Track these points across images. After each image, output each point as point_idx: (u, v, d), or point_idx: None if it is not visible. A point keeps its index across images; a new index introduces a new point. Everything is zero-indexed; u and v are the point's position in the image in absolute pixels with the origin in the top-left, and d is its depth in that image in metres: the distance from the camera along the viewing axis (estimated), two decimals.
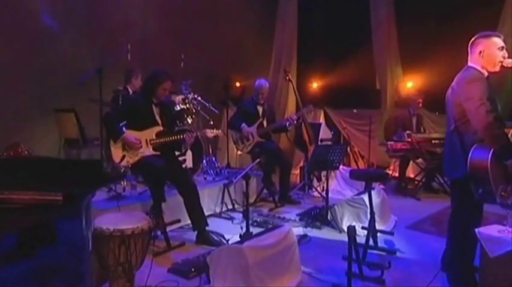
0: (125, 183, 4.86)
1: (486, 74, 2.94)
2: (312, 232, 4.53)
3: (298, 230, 4.42)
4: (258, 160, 4.80)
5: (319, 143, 6.58)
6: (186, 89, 5.62)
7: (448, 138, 3.10)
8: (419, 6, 7.24)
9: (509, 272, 2.67)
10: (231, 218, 5.03)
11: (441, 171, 5.61)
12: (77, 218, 2.11)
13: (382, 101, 7.76)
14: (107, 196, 4.57)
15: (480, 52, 2.94)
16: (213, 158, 6.02)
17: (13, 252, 2.17)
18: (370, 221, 3.96)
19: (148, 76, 4.39)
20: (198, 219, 4.20)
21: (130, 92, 5.41)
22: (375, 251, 3.95)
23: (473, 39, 3.01)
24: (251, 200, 5.40)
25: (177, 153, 4.79)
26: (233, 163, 6.93)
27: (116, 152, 4.14)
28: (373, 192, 4.17)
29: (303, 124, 6.18)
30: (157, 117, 4.32)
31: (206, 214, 4.46)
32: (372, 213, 3.97)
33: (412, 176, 6.81)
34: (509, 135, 2.81)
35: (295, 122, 5.82)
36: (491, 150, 2.74)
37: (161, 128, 4.30)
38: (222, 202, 5.29)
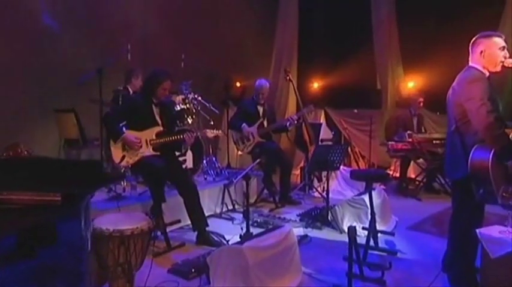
0: (125, 183, 4.86)
1: (487, 74, 2.93)
2: (313, 233, 4.52)
3: (298, 231, 4.41)
4: (258, 160, 4.79)
5: (320, 143, 6.57)
6: (186, 89, 5.62)
7: (449, 139, 3.09)
8: (420, 6, 7.24)
9: (510, 273, 2.67)
10: (231, 219, 5.03)
11: (442, 171, 5.59)
12: (76, 219, 2.10)
13: (383, 101, 7.75)
14: (106, 196, 4.56)
15: (481, 52, 2.92)
16: (214, 159, 6.01)
17: (13, 252, 2.16)
18: (370, 222, 3.95)
19: (148, 76, 4.38)
20: (198, 219, 4.19)
21: (131, 92, 5.40)
22: (376, 252, 3.93)
23: (474, 39, 3.00)
24: (251, 201, 5.39)
25: (177, 153, 4.78)
26: (233, 163, 6.93)
27: (116, 152, 4.13)
28: (373, 192, 4.16)
29: (303, 124, 6.18)
30: (158, 118, 4.31)
31: (206, 214, 4.46)
32: (373, 213, 3.96)
33: (413, 176, 6.79)
34: (510, 136, 2.80)
35: (295, 122, 5.81)
36: (492, 150, 2.73)
37: (161, 128, 4.29)
38: (222, 203, 5.28)
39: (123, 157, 4.12)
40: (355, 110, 7.83)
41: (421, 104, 6.49)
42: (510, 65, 2.90)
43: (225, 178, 5.59)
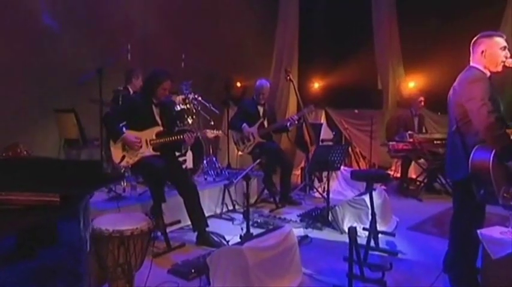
0: (125, 184, 4.85)
1: (488, 74, 2.92)
2: (313, 233, 4.50)
3: (299, 231, 4.40)
4: (258, 161, 4.78)
5: (320, 143, 6.56)
6: (186, 89, 5.61)
7: (450, 139, 3.08)
8: (421, 5, 7.22)
9: (511, 273, 2.65)
10: (232, 219, 5.02)
11: (443, 172, 5.58)
12: (75, 219, 2.09)
13: (383, 101, 7.74)
14: (106, 196, 4.55)
15: (482, 52, 2.91)
16: (214, 159, 6.00)
17: (12, 253, 2.16)
18: (371, 222, 3.95)
19: (148, 76, 4.38)
20: (198, 220, 4.18)
21: (131, 92, 5.40)
22: (376, 253, 3.93)
23: (475, 38, 2.99)
24: (252, 201, 5.38)
25: (177, 153, 4.77)
26: (234, 163, 6.92)
27: (116, 153, 4.13)
28: (374, 193, 4.15)
29: (304, 124, 6.17)
30: (158, 118, 4.30)
31: (206, 214, 4.45)
32: (373, 214, 3.95)
33: (413, 176, 6.78)
34: (511, 136, 2.79)
35: (296, 122, 5.80)
36: (493, 151, 2.71)
37: (161, 129, 4.28)
38: (222, 203, 5.27)
39: (123, 157, 4.12)
40: (356, 110, 7.82)
41: (422, 103, 6.48)
42: (511, 65, 2.88)
43: (225, 178, 5.58)
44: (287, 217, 5.10)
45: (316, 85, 8.38)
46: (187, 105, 5.54)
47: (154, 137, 4.23)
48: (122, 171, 4.60)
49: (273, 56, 8.23)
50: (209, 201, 5.08)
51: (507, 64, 2.89)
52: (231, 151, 6.80)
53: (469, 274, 3.05)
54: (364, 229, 4.17)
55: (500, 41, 2.92)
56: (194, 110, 5.60)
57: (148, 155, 4.17)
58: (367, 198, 4.16)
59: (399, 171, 6.62)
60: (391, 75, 7.68)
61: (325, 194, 5.01)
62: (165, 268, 3.55)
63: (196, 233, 4.18)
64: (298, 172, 6.87)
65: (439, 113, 7.06)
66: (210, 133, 4.48)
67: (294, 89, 6.56)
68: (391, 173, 6.87)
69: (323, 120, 7.89)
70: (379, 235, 4.08)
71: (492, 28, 3.22)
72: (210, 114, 5.89)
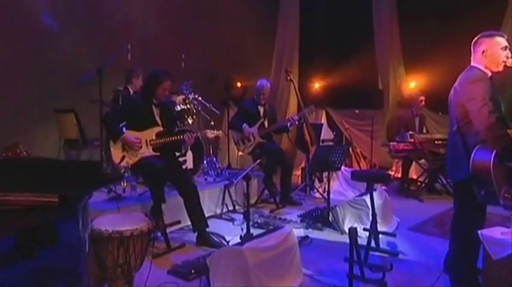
0: (125, 184, 4.84)
1: (489, 74, 2.91)
2: (313, 234, 4.49)
3: (299, 232, 4.39)
4: (259, 161, 4.77)
5: (321, 143, 6.55)
6: (186, 89, 5.60)
7: (451, 139, 3.07)
8: (421, 5, 7.21)
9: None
10: (232, 220, 5.01)
11: (444, 172, 5.57)
12: (74, 220, 2.08)
13: (384, 101, 7.72)
14: (106, 197, 4.55)
15: (483, 52, 2.90)
16: (214, 159, 5.99)
17: (11, 253, 2.15)
18: (372, 223, 3.93)
19: (148, 76, 4.37)
20: (198, 220, 4.17)
21: (131, 92, 5.39)
22: (377, 253, 3.92)
23: (476, 38, 2.98)
24: (252, 201, 5.37)
25: (177, 154, 4.76)
26: (234, 163, 6.91)
27: (116, 153, 4.12)
28: (375, 193, 4.14)
29: (304, 124, 6.16)
30: (157, 118, 4.29)
31: (206, 215, 4.44)
32: (374, 214, 3.94)
33: (414, 177, 6.76)
34: None
35: (296, 122, 5.79)
36: (494, 151, 2.70)
37: (161, 129, 4.27)
38: (222, 203, 5.26)
39: (123, 158, 4.11)
40: (357, 111, 7.80)
41: (423, 102, 6.46)
42: None
43: (226, 179, 5.58)
44: (287, 217, 5.09)
45: (317, 85, 8.38)
46: (188, 106, 5.53)
47: (154, 137, 4.22)
48: (122, 171, 4.59)
49: (273, 56, 8.23)
50: (209, 201, 5.07)
51: (508, 64, 2.88)
52: (232, 151, 6.80)
53: (470, 274, 3.04)
54: (364, 229, 4.16)
55: (501, 40, 2.91)
56: (194, 110, 5.59)
57: (148, 155, 4.16)
58: (367, 198, 4.15)
59: (400, 171, 6.61)
60: (391, 75, 7.67)
61: (325, 195, 5.00)
62: (165, 269, 3.54)
63: (196, 234, 4.17)
64: (299, 172, 6.86)
65: (440, 113, 7.05)
66: (210, 133, 4.47)
67: (295, 89, 6.55)
68: (392, 173, 6.86)
69: (323, 120, 7.87)
70: (380, 236, 4.06)
71: (493, 28, 3.20)
72: (210, 115, 5.88)
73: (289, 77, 6.31)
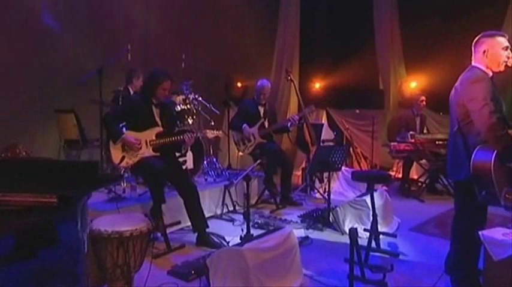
0: (125, 184, 4.84)
1: (490, 74, 2.90)
2: (314, 234, 4.48)
3: (299, 232, 4.38)
4: (259, 161, 4.76)
5: (321, 144, 6.53)
6: (187, 89, 5.59)
7: (452, 140, 3.05)
8: (422, 5, 7.20)
9: None
10: (232, 220, 5.00)
11: (445, 172, 5.55)
12: (72, 220, 2.08)
13: (385, 102, 7.72)
14: (106, 197, 4.54)
15: (484, 51, 2.89)
16: (214, 159, 5.98)
17: (11, 254, 2.14)
18: (372, 223, 3.92)
19: (147, 76, 4.36)
20: (199, 221, 4.16)
21: (131, 92, 5.38)
22: (377, 254, 3.90)
23: (477, 38, 2.97)
24: (252, 202, 5.37)
25: (177, 154, 4.75)
26: (234, 164, 6.90)
27: (116, 153, 4.11)
28: (375, 194, 4.13)
29: (304, 125, 6.14)
30: (157, 118, 4.28)
31: (207, 215, 4.43)
32: (375, 215, 3.93)
33: (415, 177, 6.75)
34: None
35: (297, 122, 5.78)
36: (495, 152, 2.69)
37: (161, 129, 4.26)
38: (222, 204, 5.25)
39: (123, 158, 4.10)
40: (357, 111, 7.80)
41: (424, 102, 6.45)
42: None
43: (226, 179, 5.56)
44: (288, 217, 5.08)
45: (317, 85, 8.37)
46: (188, 106, 5.52)
47: (154, 137, 4.20)
48: (122, 172, 4.59)
49: (273, 56, 8.23)
50: (209, 202, 5.06)
51: (509, 64, 2.87)
52: (232, 151, 6.79)
53: (471, 275, 3.03)
54: (365, 230, 4.14)
55: (503, 40, 2.90)
56: (194, 111, 5.58)
57: (148, 155, 4.15)
58: (368, 199, 4.14)
59: (401, 172, 6.59)
60: (392, 75, 7.66)
61: (326, 195, 4.98)
62: (164, 269, 3.53)
63: (196, 234, 4.17)
64: (299, 173, 6.85)
65: (440, 113, 7.04)
66: (210, 133, 4.45)
67: (295, 89, 6.54)
68: (393, 173, 6.84)
69: (324, 120, 7.87)
70: (381, 236, 4.05)
71: (494, 28, 3.19)
72: (211, 115, 5.87)
73: (289, 77, 6.30)
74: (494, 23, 5.85)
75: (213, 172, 5.74)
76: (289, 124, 5.74)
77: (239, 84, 7.93)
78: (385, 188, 5.46)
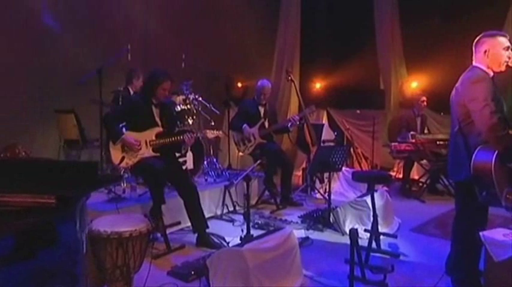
0: (125, 185, 4.83)
1: (491, 74, 2.89)
2: (314, 235, 4.47)
3: (300, 233, 4.37)
4: (259, 161, 4.76)
5: (322, 144, 6.52)
6: (187, 89, 5.58)
7: (452, 140, 3.05)
8: (423, 5, 7.19)
9: None
10: (232, 220, 4.99)
11: (446, 173, 5.53)
12: (71, 221, 2.07)
13: (386, 102, 7.71)
14: (106, 197, 4.53)
15: (485, 51, 2.88)
16: (214, 160, 5.97)
17: (10, 254, 2.14)
18: (373, 224, 3.91)
19: (147, 77, 4.35)
20: (198, 221, 4.15)
21: (131, 92, 5.38)
22: (378, 255, 3.89)
23: (478, 38, 2.96)
24: (252, 202, 5.36)
25: (177, 154, 4.74)
26: (234, 164, 6.89)
27: (115, 154, 4.10)
28: (376, 194, 4.12)
29: (305, 125, 6.14)
30: (157, 118, 4.27)
31: (207, 215, 4.43)
32: (375, 215, 3.92)
33: (416, 177, 6.74)
34: None
35: (297, 122, 5.77)
36: (496, 152, 2.68)
37: (161, 129, 4.25)
38: (223, 204, 5.24)
39: (123, 158, 4.09)
40: (358, 111, 7.79)
41: (424, 103, 6.44)
42: None
43: (226, 179, 5.55)
44: (288, 218, 5.07)
45: (318, 85, 8.36)
46: (188, 106, 5.51)
47: (154, 138, 4.20)
48: (122, 172, 4.58)
49: (274, 56, 8.22)
50: (209, 202, 5.05)
51: (510, 64, 2.86)
52: (232, 151, 6.78)
53: (471, 276, 3.03)
54: (365, 230, 4.13)
55: (504, 40, 2.89)
56: (195, 111, 5.58)
57: (148, 156, 4.14)
58: (368, 199, 4.13)
59: (401, 172, 6.58)
60: (393, 75, 7.65)
61: (326, 196, 4.98)
62: (164, 270, 3.52)
63: (196, 235, 4.16)
64: (300, 173, 6.84)
65: (441, 114, 7.03)
66: (211, 134, 4.44)
67: (295, 89, 6.54)
68: (393, 174, 6.83)
69: (324, 120, 7.86)
70: (381, 237, 4.05)
71: (495, 28, 3.18)
72: (211, 115, 5.86)
73: (290, 77, 6.29)
74: (495, 23, 5.84)
75: (213, 172, 5.73)
76: (289, 124, 5.73)
77: (239, 85, 7.92)
78: (385, 188, 5.44)
